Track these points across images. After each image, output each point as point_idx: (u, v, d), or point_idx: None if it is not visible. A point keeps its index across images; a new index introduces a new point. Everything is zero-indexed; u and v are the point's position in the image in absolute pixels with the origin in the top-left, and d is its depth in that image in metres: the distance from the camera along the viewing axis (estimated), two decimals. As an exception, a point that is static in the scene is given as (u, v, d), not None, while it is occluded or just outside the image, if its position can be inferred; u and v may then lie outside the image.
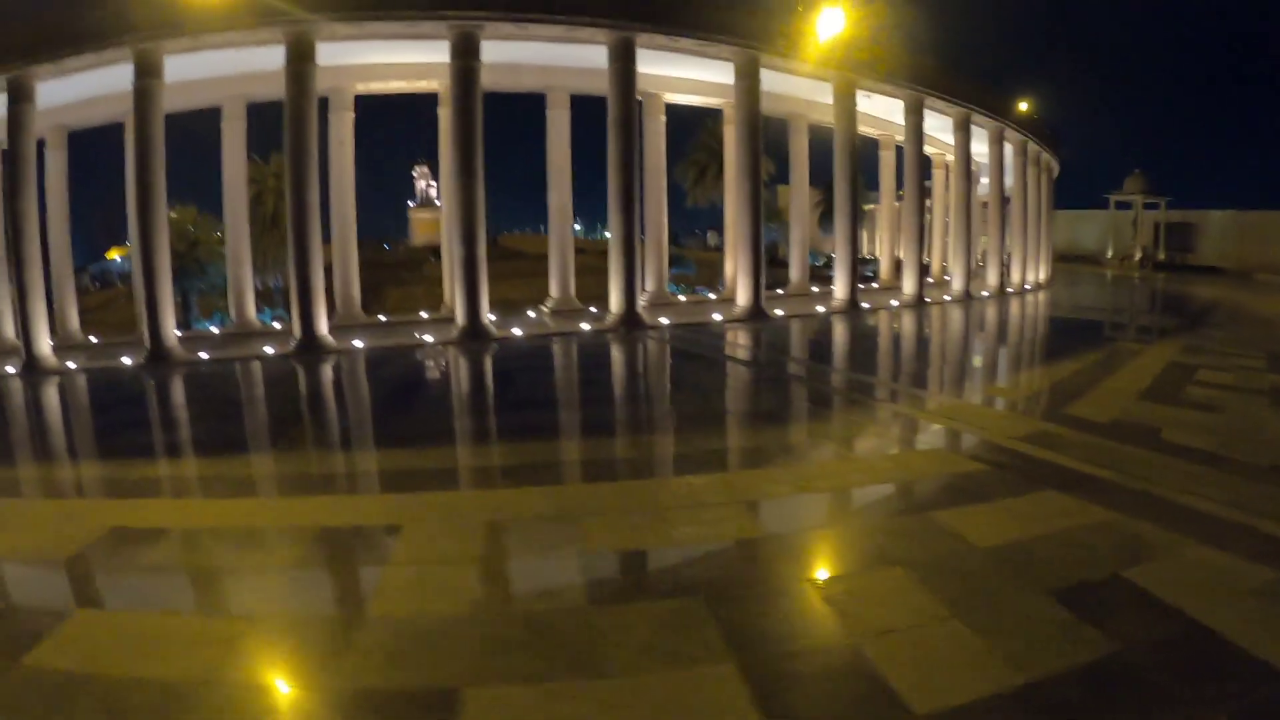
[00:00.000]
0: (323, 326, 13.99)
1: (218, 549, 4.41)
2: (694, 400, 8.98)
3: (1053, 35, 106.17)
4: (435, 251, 36.15)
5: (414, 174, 77.33)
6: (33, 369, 14.73)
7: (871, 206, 37.07)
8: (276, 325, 19.58)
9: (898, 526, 4.37)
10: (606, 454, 6.60)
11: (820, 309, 17.69)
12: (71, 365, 14.87)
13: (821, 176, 22.75)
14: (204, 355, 14.26)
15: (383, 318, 19.60)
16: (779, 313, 16.64)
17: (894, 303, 19.33)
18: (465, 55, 14.38)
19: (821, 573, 3.82)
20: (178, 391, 11.56)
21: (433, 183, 56.12)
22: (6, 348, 19.89)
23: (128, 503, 5.46)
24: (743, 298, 16.31)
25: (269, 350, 14.08)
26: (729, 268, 20.40)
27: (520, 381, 11.06)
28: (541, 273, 20.20)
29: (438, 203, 54.26)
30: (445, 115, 17.66)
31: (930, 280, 25.09)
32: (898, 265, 22.84)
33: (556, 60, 16.69)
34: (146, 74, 14.30)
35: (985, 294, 22.70)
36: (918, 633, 2.99)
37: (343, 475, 6.35)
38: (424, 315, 19.04)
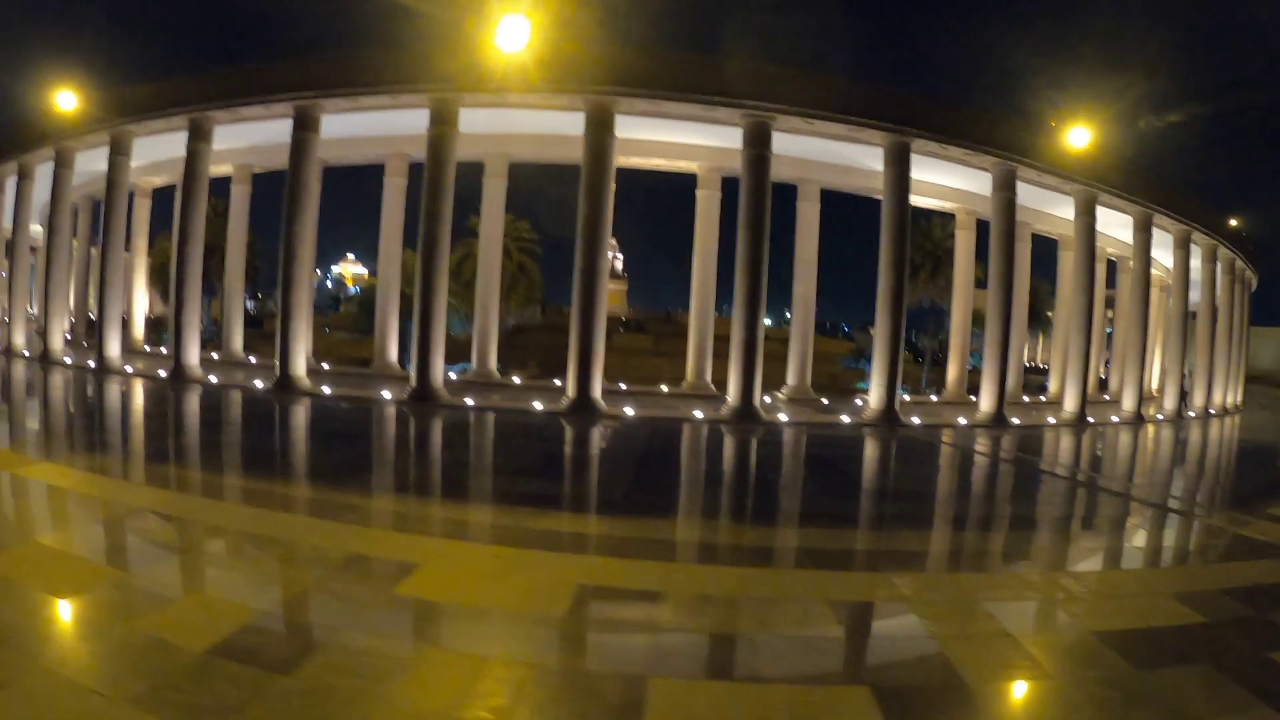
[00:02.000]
0: (597, 389, 14.24)
1: (722, 615, 4.39)
2: (1014, 510, 8.88)
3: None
4: (622, 322, 36.52)
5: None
6: (286, 389, 15.05)
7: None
8: (516, 379, 20.17)
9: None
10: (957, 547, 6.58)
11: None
12: (327, 389, 15.17)
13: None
14: (470, 401, 14.55)
15: (623, 385, 19.41)
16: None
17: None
18: (757, 144, 14.77)
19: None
20: (533, 438, 11.82)
21: (619, 255, 56.96)
22: (233, 360, 20.44)
23: (586, 559, 5.39)
24: (987, 404, 16.51)
25: (538, 405, 14.34)
26: (952, 371, 20.86)
27: (822, 469, 10.95)
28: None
29: (623, 274, 57.03)
30: (702, 196, 18.13)
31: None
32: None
33: (811, 154, 17.01)
34: (441, 121, 14.76)
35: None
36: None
37: (791, 549, 6.25)
38: (664, 388, 19.18)
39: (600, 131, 14.46)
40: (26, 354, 20.60)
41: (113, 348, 17.75)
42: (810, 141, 16.05)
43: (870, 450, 12.65)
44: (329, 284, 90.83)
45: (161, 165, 20.89)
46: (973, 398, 20.36)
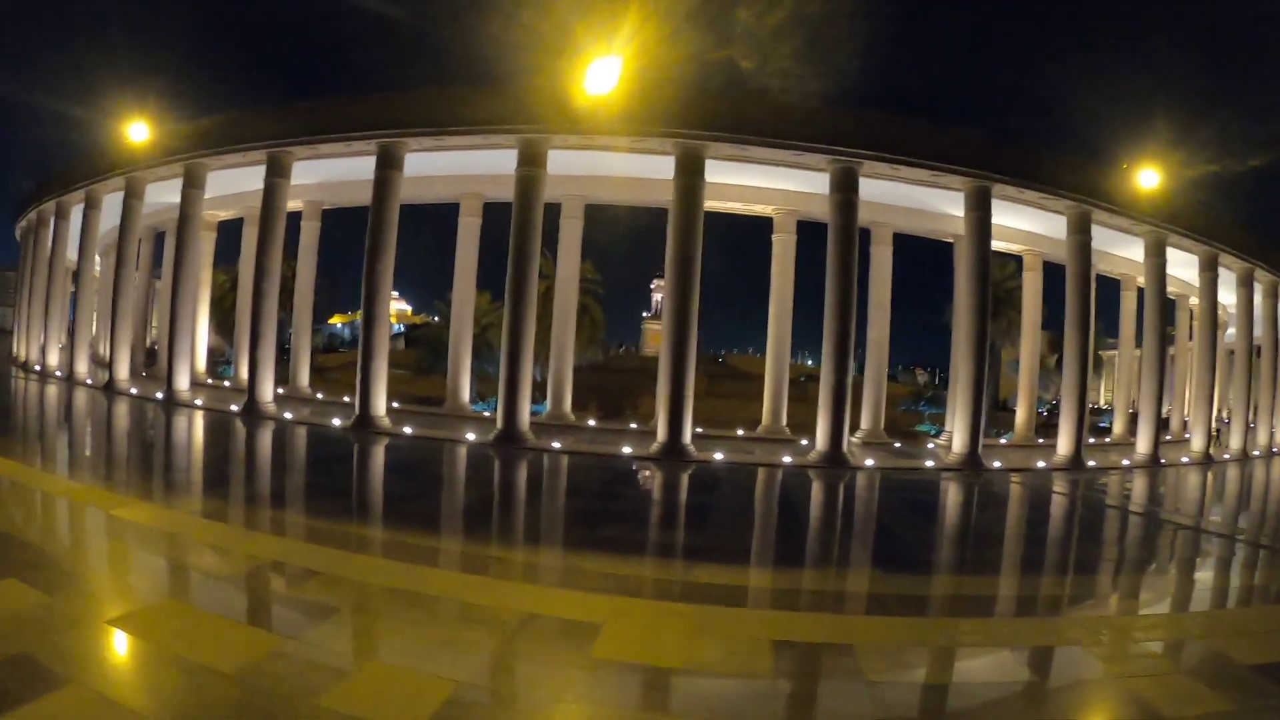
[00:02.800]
0: (688, 434, 14.15)
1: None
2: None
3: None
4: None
5: (652, 286, 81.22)
6: (366, 427, 14.92)
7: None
8: (591, 421, 20.21)
9: None
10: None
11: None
12: (409, 429, 15.05)
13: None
14: (555, 444, 14.43)
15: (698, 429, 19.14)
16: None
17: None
18: (844, 189, 14.85)
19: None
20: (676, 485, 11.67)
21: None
22: (300, 396, 20.31)
23: (765, 613, 5.32)
24: (1064, 446, 16.48)
25: (626, 449, 14.24)
26: (1021, 413, 21.00)
27: (931, 516, 10.70)
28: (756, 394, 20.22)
29: None
30: (778, 240, 18.24)
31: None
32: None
33: (885, 198, 17.14)
34: (530, 162, 14.81)
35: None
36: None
37: (947, 598, 6.12)
38: (741, 432, 19.07)
39: (691, 176, 14.52)
40: (89, 382, 20.48)
41: (182, 380, 17.65)
42: (886, 185, 16.16)
43: (975, 496, 12.60)
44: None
45: (228, 199, 20.91)
46: (1040, 440, 20.41)
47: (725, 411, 22.15)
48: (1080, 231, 16.51)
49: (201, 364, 24.11)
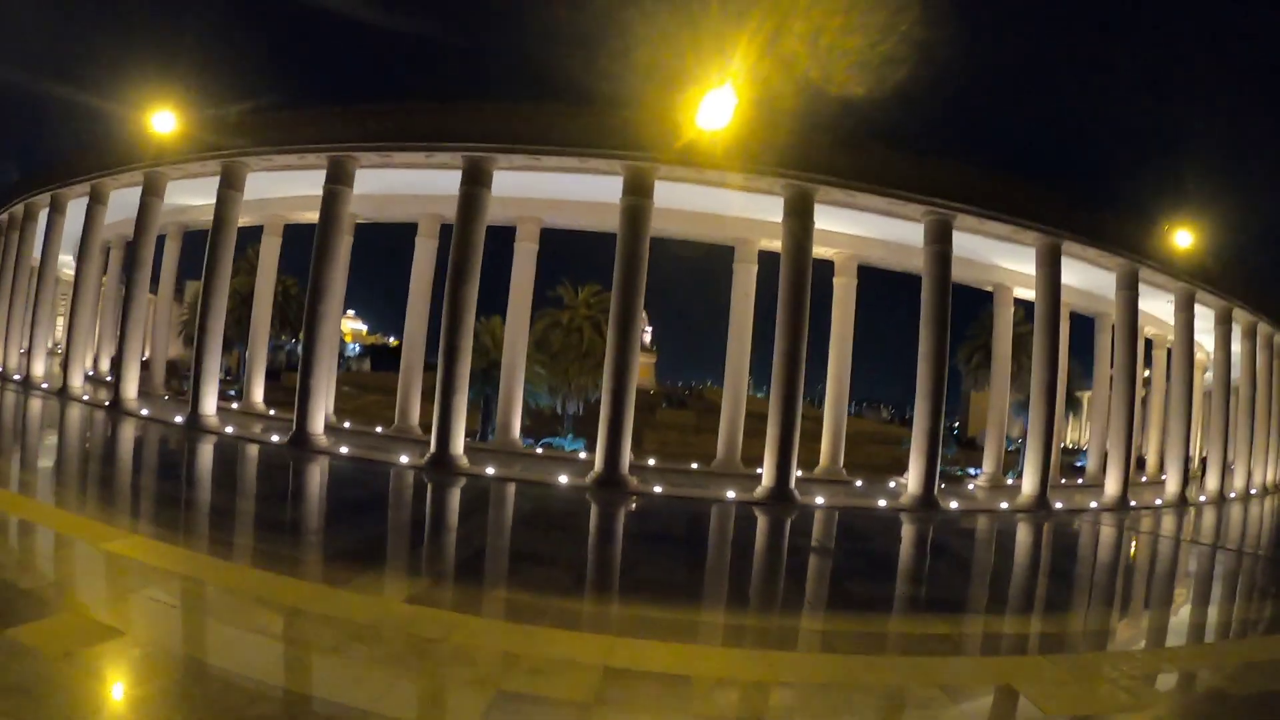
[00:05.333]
0: (792, 480, 13.89)
1: None
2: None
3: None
4: (666, 398, 35.62)
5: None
6: (445, 468, 13.71)
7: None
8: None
9: None
10: None
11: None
12: (490, 471, 13.93)
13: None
14: (658, 490, 13.77)
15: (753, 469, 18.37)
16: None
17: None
18: (940, 240, 15.14)
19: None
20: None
21: (648, 327, 55.00)
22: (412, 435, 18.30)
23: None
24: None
25: (730, 494, 13.81)
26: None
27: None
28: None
29: (652, 348, 54.43)
30: (840, 284, 18.35)
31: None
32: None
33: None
34: (636, 191, 14.22)
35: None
36: None
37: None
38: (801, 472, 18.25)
39: (802, 218, 14.39)
40: (85, 399, 17.95)
41: (209, 404, 15.64)
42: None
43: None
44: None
45: (249, 205, 18.76)
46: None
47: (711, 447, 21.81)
48: (1129, 287, 17.54)
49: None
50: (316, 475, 12.42)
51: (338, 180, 15.05)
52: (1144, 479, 24.66)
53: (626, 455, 13.78)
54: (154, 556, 5.74)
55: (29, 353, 19.41)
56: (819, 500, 14.35)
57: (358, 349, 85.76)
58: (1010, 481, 20.22)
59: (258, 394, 19.50)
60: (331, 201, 15.02)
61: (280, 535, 7.75)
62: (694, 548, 10.20)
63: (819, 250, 18.40)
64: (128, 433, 14.59)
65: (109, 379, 21.18)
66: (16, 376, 19.88)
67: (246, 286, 23.83)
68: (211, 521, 8.01)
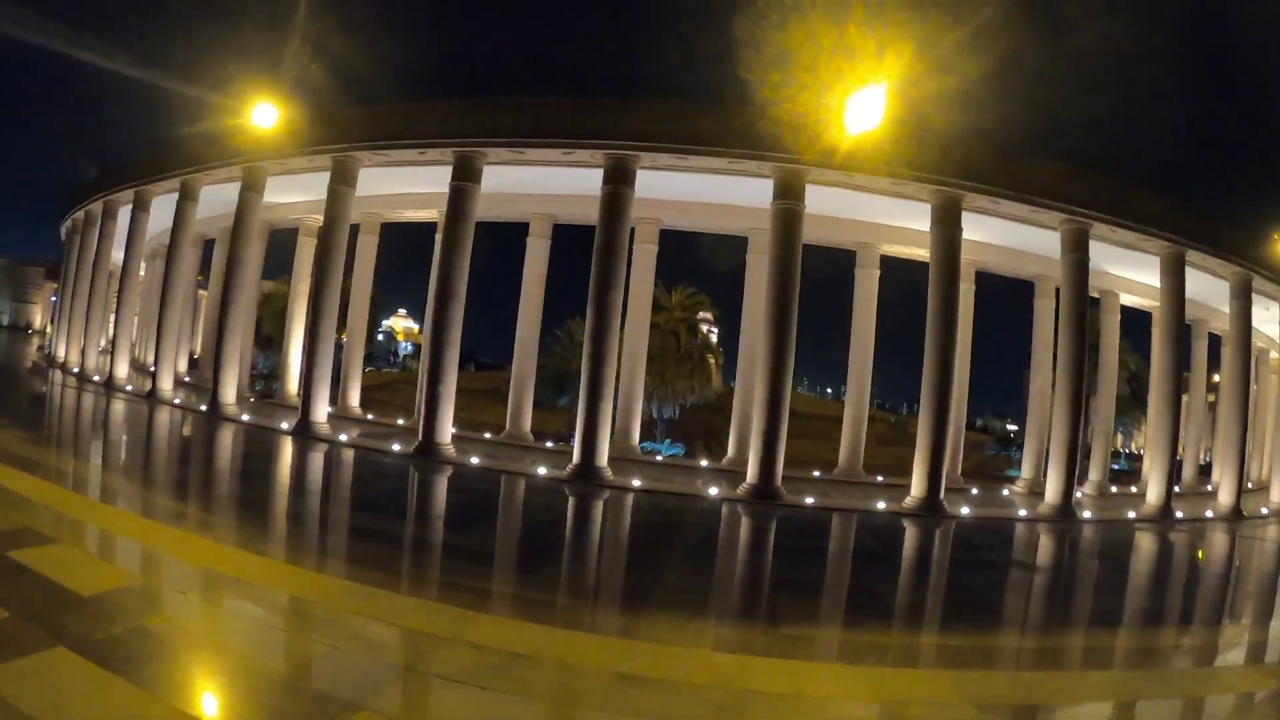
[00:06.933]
0: (942, 490, 13.61)
1: None
2: None
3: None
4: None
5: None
6: (590, 480, 13.15)
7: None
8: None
9: None
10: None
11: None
12: (636, 483, 13.41)
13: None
14: (810, 500, 13.40)
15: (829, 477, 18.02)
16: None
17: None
18: (1077, 249, 14.99)
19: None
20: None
21: (713, 329, 54.12)
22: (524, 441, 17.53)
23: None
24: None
25: (882, 505, 13.49)
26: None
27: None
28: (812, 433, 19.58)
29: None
30: (961, 290, 17.92)
31: (1210, 487, 22.36)
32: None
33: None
34: (788, 195, 13.83)
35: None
36: None
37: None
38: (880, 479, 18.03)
39: (950, 225, 14.14)
40: (129, 389, 17.03)
41: (229, 393, 14.85)
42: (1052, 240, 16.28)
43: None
44: (379, 337, 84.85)
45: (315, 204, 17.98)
46: (1113, 489, 20.21)
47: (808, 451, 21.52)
48: (1242, 296, 17.53)
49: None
50: (471, 493, 11.80)
51: (465, 176, 14.39)
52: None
53: (780, 468, 13.38)
54: (384, 608, 5.17)
55: (112, 353, 18.34)
56: (964, 510, 14.13)
57: (410, 348, 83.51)
58: (1114, 490, 20.25)
59: (354, 397, 18.69)
60: (459, 199, 14.38)
61: (506, 571, 7.18)
62: (887, 565, 9.82)
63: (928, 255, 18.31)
64: (261, 448, 13.59)
65: (188, 380, 20.27)
66: (96, 378, 18.81)
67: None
68: (427, 560, 7.27)
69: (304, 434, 14.70)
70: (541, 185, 16.38)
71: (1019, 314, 20.11)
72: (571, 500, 11.74)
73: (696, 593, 6.99)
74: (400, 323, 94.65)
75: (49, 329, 47.14)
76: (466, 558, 7.23)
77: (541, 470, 13.53)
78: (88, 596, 4.41)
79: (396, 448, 14.36)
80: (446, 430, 14.14)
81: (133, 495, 8.23)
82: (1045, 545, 12.33)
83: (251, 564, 5.87)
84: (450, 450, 14.09)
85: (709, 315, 35.73)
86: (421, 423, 14.11)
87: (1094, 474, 19.43)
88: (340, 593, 5.40)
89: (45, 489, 7.45)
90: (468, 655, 4.40)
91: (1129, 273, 18.65)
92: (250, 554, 6.16)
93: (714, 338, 39.03)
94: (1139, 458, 35.62)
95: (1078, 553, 11.89)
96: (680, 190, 15.78)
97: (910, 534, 12.02)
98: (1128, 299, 20.49)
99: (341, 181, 15.05)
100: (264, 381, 24.77)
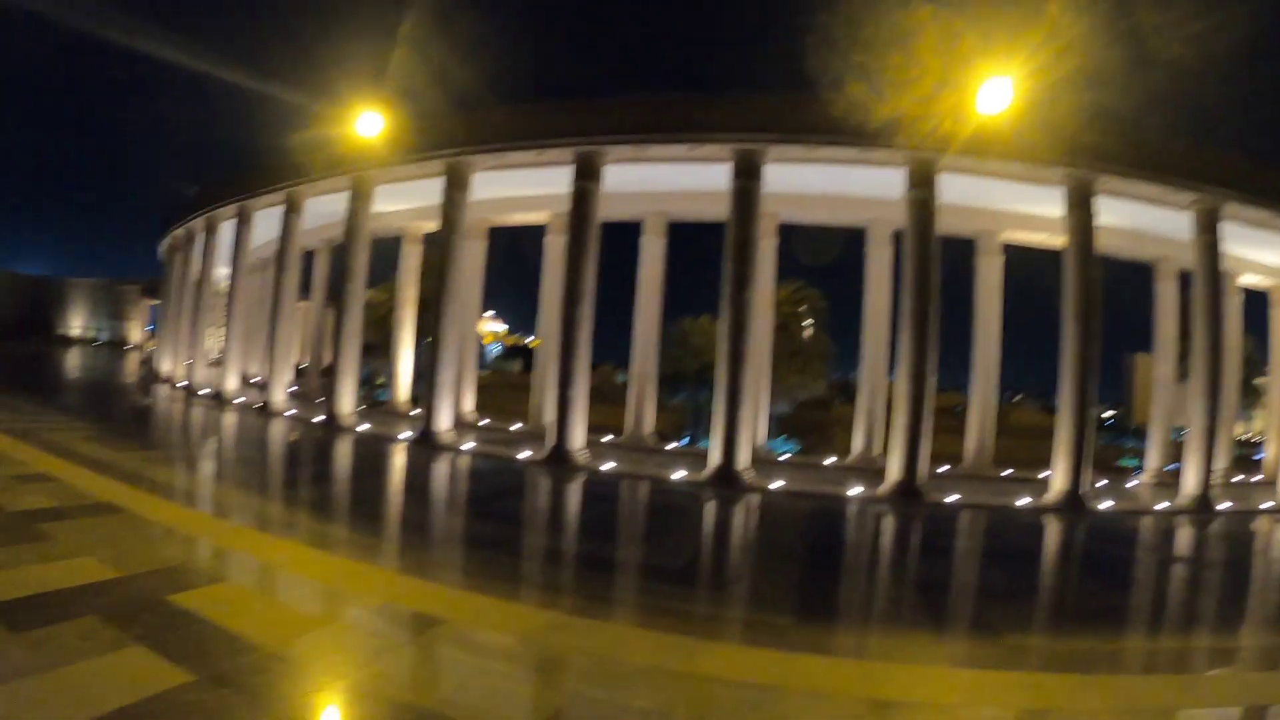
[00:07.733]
0: (1083, 484, 13.31)
1: None
2: None
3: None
4: (842, 390, 35.00)
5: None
6: (731, 484, 12.94)
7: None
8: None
9: None
10: None
11: (1165, 504, 14.11)
12: (775, 486, 13.20)
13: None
14: (950, 499, 13.15)
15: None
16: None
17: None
18: (1210, 230, 14.63)
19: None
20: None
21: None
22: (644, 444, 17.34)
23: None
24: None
25: (1021, 503, 13.25)
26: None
27: None
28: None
29: None
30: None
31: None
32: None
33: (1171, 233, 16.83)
34: (920, 185, 13.56)
35: None
36: None
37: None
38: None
39: (1083, 211, 13.80)
40: (242, 400, 16.92)
41: (346, 403, 14.72)
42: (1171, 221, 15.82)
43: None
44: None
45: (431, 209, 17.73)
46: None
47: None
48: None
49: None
50: (619, 501, 11.45)
51: (586, 176, 14.18)
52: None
53: (923, 466, 13.13)
54: (627, 645, 4.73)
55: (222, 366, 18.33)
56: (1104, 505, 13.84)
57: (500, 349, 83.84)
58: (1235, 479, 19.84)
59: (468, 403, 18.54)
60: (582, 200, 14.17)
61: (706, 590, 6.77)
62: (1073, 565, 9.65)
63: (1054, 241, 17.79)
64: (393, 460, 13.23)
65: (293, 389, 20.20)
66: (203, 391, 18.78)
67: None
68: (627, 584, 6.75)
69: (427, 443, 14.59)
70: (654, 183, 16.14)
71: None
72: (722, 506, 11.47)
73: (896, 603, 6.81)
74: (488, 324, 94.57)
75: (147, 344, 47.71)
76: (659, 577, 6.72)
77: (677, 474, 13.33)
78: (276, 651, 3.86)
79: (525, 454, 14.20)
80: (579, 436, 13.96)
81: (285, 521, 7.65)
82: (1215, 541, 12.02)
83: (443, 597, 5.34)
84: (583, 456, 13.93)
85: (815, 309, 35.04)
86: (554, 428, 13.93)
87: (1219, 462, 19.02)
88: (545, 626, 4.89)
89: (189, 517, 6.92)
90: (724, 693, 4.10)
91: (1249, 251, 18.20)
92: (434, 583, 5.65)
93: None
94: (1245, 444, 34.38)
95: (1249, 549, 11.59)
96: (797, 183, 15.51)
97: (1072, 531, 11.74)
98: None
99: (455, 187, 14.85)
100: (365, 388, 24.71)
